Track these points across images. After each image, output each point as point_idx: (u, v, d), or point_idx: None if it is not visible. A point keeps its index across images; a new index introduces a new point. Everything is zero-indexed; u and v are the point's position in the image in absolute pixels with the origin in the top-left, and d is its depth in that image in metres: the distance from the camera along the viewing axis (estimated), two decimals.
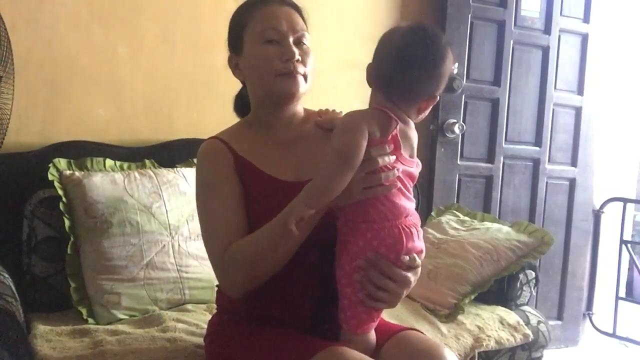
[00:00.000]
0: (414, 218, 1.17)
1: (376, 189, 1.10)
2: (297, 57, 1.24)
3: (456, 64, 2.86)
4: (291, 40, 1.24)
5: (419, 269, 1.16)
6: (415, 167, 1.18)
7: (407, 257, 1.12)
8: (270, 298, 1.22)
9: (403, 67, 1.11)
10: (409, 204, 1.15)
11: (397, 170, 1.11)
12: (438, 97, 1.16)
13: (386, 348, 1.20)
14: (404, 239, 1.12)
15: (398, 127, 1.12)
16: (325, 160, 1.09)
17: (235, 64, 1.31)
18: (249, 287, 1.19)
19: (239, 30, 1.28)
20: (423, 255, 1.18)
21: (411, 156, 1.17)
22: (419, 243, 1.16)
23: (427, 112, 1.19)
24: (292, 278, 1.20)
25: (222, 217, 1.21)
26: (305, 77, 1.26)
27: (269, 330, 1.21)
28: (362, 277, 1.12)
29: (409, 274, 1.13)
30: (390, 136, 1.11)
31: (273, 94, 1.26)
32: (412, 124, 1.17)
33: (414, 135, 1.17)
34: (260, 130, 1.31)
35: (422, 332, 1.30)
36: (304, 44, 1.27)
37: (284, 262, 1.15)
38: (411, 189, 1.18)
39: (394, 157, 1.11)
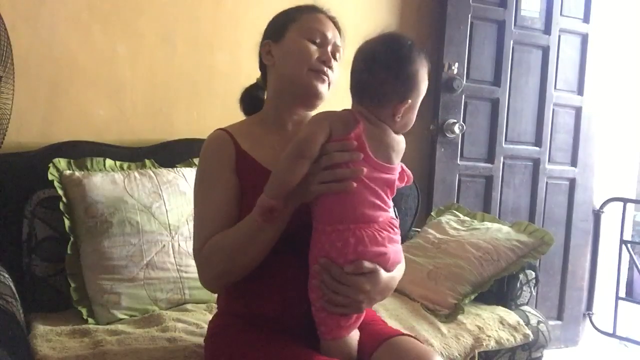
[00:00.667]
0: (381, 225, 1.13)
1: (330, 185, 1.10)
2: (332, 63, 1.30)
3: (456, 64, 2.88)
4: (329, 49, 1.30)
5: (379, 275, 1.13)
6: (395, 175, 1.16)
7: (351, 266, 1.10)
8: (265, 298, 1.23)
9: (370, 70, 1.15)
10: (375, 212, 1.13)
11: (361, 170, 1.10)
12: (409, 102, 1.15)
13: (377, 354, 1.20)
14: (352, 243, 1.10)
15: (362, 126, 1.12)
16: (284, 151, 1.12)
17: (268, 50, 1.33)
18: (226, 282, 1.22)
19: (285, 21, 1.32)
20: (387, 258, 1.14)
21: (388, 162, 1.15)
22: (377, 248, 1.12)
23: (407, 118, 1.17)
24: (286, 277, 1.21)
25: (211, 211, 1.23)
26: (330, 85, 1.31)
27: (264, 337, 1.20)
28: (319, 282, 1.12)
29: (363, 280, 1.11)
30: (352, 134, 1.11)
31: (300, 86, 1.29)
32: (387, 130, 1.16)
33: (391, 141, 1.16)
34: (270, 127, 1.34)
35: (414, 337, 1.29)
36: (337, 59, 1.33)
37: (260, 257, 1.17)
38: (385, 197, 1.15)
39: (361, 155, 1.10)
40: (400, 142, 1.18)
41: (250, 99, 1.41)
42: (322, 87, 1.29)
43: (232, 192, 1.25)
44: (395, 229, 1.17)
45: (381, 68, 1.14)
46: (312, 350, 1.16)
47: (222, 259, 1.18)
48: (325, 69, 1.29)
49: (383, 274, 1.14)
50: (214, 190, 1.25)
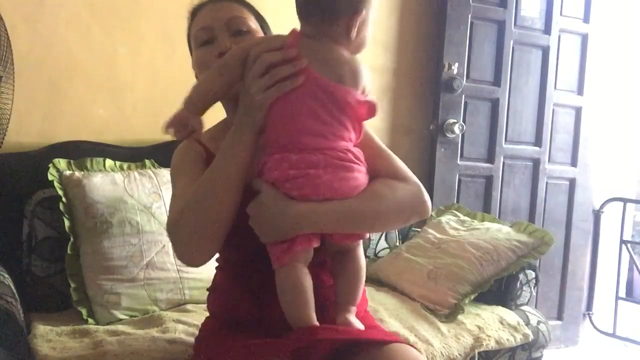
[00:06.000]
0: (325, 153, 1.04)
1: (277, 87, 1.02)
2: (230, 47, 1.15)
3: (456, 64, 2.87)
4: (227, 33, 1.18)
5: (261, 196, 1.07)
6: (350, 99, 1.05)
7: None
8: (241, 302, 1.21)
9: None
10: (317, 139, 1.04)
11: (301, 61, 1.02)
12: (363, 12, 1.06)
13: None
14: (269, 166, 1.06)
15: (297, 36, 1.06)
16: None
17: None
18: (203, 247, 1.11)
19: (189, 43, 1.27)
20: (296, 183, 1.05)
21: (337, 81, 1.05)
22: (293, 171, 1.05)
23: (362, 35, 1.09)
24: (260, 281, 1.17)
25: (182, 191, 1.16)
26: None
27: (241, 341, 1.16)
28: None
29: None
30: (286, 41, 1.05)
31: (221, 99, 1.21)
32: (332, 45, 1.07)
33: (338, 57, 1.06)
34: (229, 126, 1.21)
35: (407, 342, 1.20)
36: (244, 31, 1.20)
37: (229, 204, 1.08)
38: (336, 123, 1.05)
39: (294, 50, 1.02)
40: (352, 61, 1.07)
41: None
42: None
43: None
44: (346, 162, 1.07)
45: None
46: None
47: (193, 211, 1.08)
48: None
49: (266, 195, 1.06)
50: (184, 180, 1.18)
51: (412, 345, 1.18)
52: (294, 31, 1.08)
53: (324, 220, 1.06)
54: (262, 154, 1.10)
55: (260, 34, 1.23)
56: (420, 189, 1.19)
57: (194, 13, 1.26)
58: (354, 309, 1.13)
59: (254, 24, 1.23)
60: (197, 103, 1.08)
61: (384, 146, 1.23)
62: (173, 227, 1.12)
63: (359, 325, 1.11)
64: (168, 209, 1.25)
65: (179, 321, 1.58)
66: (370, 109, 1.09)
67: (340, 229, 1.10)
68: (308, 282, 1.08)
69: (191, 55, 1.30)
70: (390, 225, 1.22)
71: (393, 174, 1.18)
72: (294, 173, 1.05)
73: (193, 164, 1.22)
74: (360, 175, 1.09)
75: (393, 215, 1.15)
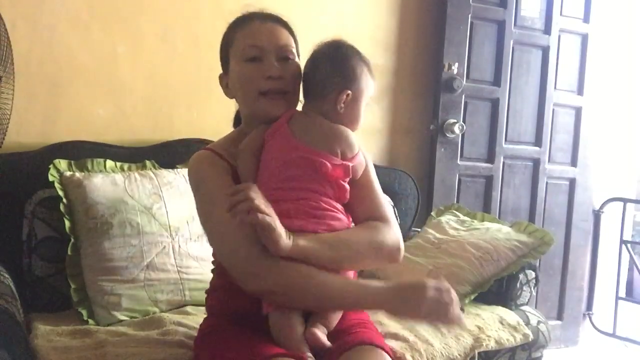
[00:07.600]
0: (293, 202, 1.17)
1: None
2: (280, 73, 1.23)
3: (456, 64, 2.87)
4: (274, 56, 1.24)
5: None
6: (327, 162, 1.19)
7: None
8: (240, 295, 1.21)
9: (314, 66, 1.25)
10: (286, 189, 1.18)
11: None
12: (349, 90, 1.22)
13: None
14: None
15: (286, 116, 1.23)
16: None
17: (225, 84, 1.32)
18: (271, 299, 1.18)
19: (226, 48, 1.30)
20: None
21: (314, 146, 1.20)
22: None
23: (351, 110, 1.24)
24: None
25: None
26: (290, 95, 1.26)
27: (240, 335, 1.20)
28: None
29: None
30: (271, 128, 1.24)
31: (257, 115, 1.26)
32: (318, 119, 1.23)
33: (319, 128, 1.22)
34: None
35: (379, 346, 1.22)
36: (290, 59, 1.27)
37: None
38: (309, 180, 1.18)
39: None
40: (331, 129, 1.22)
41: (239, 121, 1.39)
42: (278, 108, 1.24)
43: None
44: (317, 211, 1.18)
45: (323, 62, 1.24)
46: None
47: (300, 293, 1.14)
48: (275, 84, 1.23)
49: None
50: (222, 184, 1.20)
51: (381, 347, 1.22)
52: (283, 116, 1.24)
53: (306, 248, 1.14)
54: None
55: (297, 59, 1.31)
56: (400, 240, 1.29)
57: (239, 24, 1.29)
58: (323, 328, 1.20)
59: (295, 52, 1.31)
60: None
61: (377, 191, 1.30)
62: (260, 272, 1.14)
63: (324, 340, 1.17)
64: (219, 240, 1.24)
65: (179, 324, 1.57)
66: (346, 172, 1.22)
67: (321, 259, 1.17)
68: (296, 320, 1.18)
69: (223, 62, 1.32)
70: (365, 264, 1.32)
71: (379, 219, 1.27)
72: None
73: (224, 174, 1.24)
74: (334, 222, 1.21)
75: (371, 255, 1.25)
